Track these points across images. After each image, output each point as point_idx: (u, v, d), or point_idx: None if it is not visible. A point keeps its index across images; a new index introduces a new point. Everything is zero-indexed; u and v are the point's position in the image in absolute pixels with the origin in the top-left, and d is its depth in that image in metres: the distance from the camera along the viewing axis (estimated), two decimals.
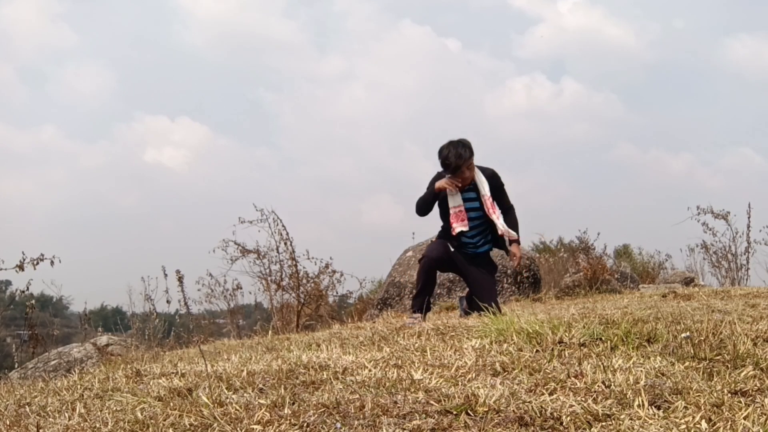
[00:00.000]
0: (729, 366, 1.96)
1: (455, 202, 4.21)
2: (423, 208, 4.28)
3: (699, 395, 1.64)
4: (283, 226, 6.76)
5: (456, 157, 4.08)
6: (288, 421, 1.58)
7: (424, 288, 4.24)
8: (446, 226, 4.30)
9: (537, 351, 2.36)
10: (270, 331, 5.49)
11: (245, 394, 1.93)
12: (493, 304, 3.92)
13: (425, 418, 1.57)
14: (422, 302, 4.21)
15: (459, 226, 4.19)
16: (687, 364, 2.01)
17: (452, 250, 4.27)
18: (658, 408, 1.59)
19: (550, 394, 1.74)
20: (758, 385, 1.74)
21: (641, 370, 1.93)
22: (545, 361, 2.16)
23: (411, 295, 6.58)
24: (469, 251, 4.30)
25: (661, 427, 1.45)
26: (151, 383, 2.32)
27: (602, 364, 2.03)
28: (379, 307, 6.75)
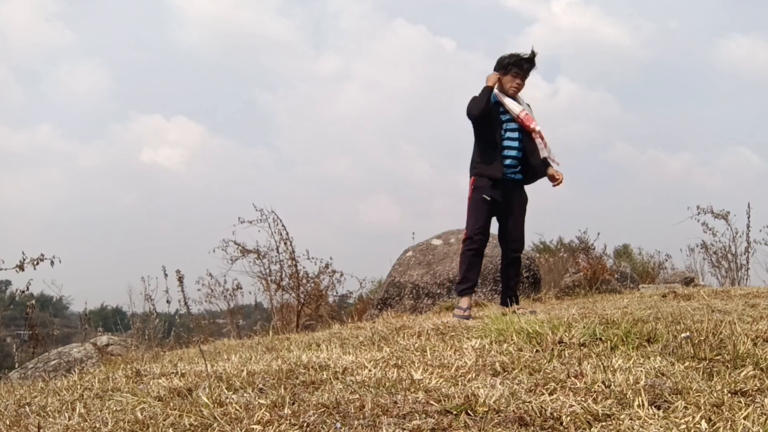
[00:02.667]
0: (729, 366, 1.96)
1: (517, 108, 4.18)
2: (477, 107, 4.16)
3: (699, 395, 1.64)
4: (283, 226, 6.76)
5: (527, 59, 4.15)
6: (288, 421, 1.58)
7: (470, 270, 4.22)
8: (491, 152, 4.20)
9: (537, 351, 2.36)
10: (270, 331, 5.48)
11: (245, 394, 1.93)
12: (521, 248, 4.23)
13: (425, 418, 1.57)
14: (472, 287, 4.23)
15: (535, 125, 4.16)
16: (687, 364, 2.01)
17: (489, 199, 4.18)
18: (658, 408, 1.59)
19: (550, 394, 1.74)
20: (758, 385, 1.74)
21: (641, 370, 1.93)
22: (545, 361, 2.16)
23: (411, 295, 6.59)
24: (509, 176, 4.21)
25: (661, 427, 1.45)
26: (151, 383, 2.32)
27: (602, 364, 2.03)
28: (379, 307, 6.74)
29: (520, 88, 4.23)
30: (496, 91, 4.22)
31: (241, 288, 7.27)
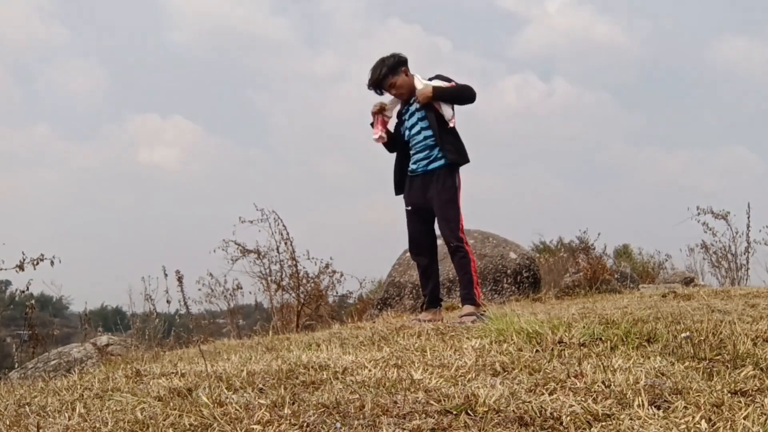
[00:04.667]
0: (729, 366, 1.96)
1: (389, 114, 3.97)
2: (389, 147, 4.07)
3: (699, 395, 1.64)
4: (283, 225, 6.77)
5: (371, 72, 3.86)
6: (288, 421, 1.58)
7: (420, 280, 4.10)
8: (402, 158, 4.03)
9: (537, 351, 2.36)
10: (270, 331, 5.48)
11: (245, 394, 1.93)
12: (453, 240, 3.78)
13: (425, 418, 1.57)
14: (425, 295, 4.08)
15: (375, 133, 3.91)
16: (687, 364, 2.01)
17: (409, 208, 4.00)
18: (658, 408, 1.59)
19: (550, 394, 1.74)
20: (758, 385, 1.74)
21: (641, 370, 1.93)
22: (545, 361, 2.16)
23: (411, 295, 6.59)
24: (419, 170, 3.93)
25: (661, 427, 1.45)
26: (151, 383, 2.32)
27: (602, 364, 2.03)
28: (379, 307, 6.74)
29: (398, 95, 3.97)
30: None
31: (241, 288, 7.29)
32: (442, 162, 3.87)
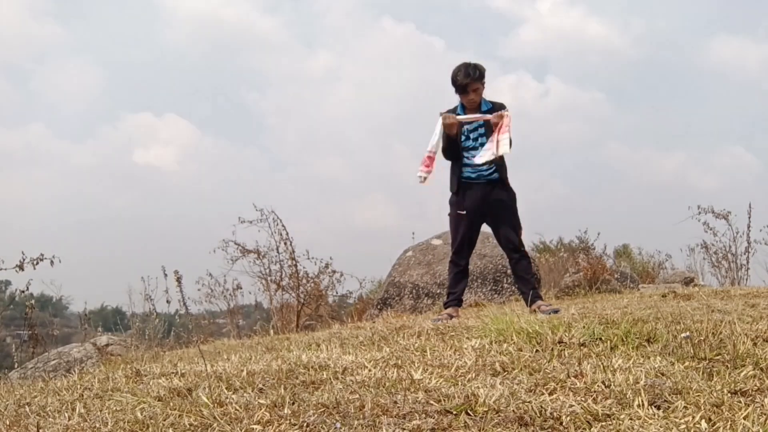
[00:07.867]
0: (729, 366, 1.96)
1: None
2: (450, 155, 4.26)
3: (699, 395, 1.64)
4: (283, 226, 6.77)
5: (464, 75, 4.12)
6: (288, 421, 1.58)
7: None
8: (457, 165, 4.25)
9: (537, 351, 2.36)
10: (270, 331, 5.49)
11: (245, 394, 1.93)
12: (522, 247, 4.22)
13: (425, 418, 1.57)
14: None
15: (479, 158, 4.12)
16: (687, 364, 2.01)
17: (464, 212, 4.23)
18: (658, 408, 1.59)
19: (550, 394, 1.74)
20: (758, 385, 1.74)
21: (641, 370, 1.93)
22: (545, 361, 2.16)
23: (411, 295, 6.59)
24: (483, 179, 4.19)
25: (661, 427, 1.45)
26: (151, 383, 2.32)
27: (602, 364, 2.03)
28: (378, 307, 6.74)
29: (472, 100, 4.19)
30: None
31: (241, 288, 7.29)
32: (497, 175, 4.21)
